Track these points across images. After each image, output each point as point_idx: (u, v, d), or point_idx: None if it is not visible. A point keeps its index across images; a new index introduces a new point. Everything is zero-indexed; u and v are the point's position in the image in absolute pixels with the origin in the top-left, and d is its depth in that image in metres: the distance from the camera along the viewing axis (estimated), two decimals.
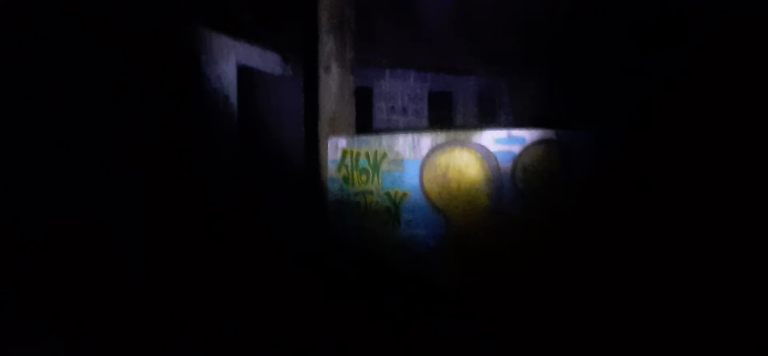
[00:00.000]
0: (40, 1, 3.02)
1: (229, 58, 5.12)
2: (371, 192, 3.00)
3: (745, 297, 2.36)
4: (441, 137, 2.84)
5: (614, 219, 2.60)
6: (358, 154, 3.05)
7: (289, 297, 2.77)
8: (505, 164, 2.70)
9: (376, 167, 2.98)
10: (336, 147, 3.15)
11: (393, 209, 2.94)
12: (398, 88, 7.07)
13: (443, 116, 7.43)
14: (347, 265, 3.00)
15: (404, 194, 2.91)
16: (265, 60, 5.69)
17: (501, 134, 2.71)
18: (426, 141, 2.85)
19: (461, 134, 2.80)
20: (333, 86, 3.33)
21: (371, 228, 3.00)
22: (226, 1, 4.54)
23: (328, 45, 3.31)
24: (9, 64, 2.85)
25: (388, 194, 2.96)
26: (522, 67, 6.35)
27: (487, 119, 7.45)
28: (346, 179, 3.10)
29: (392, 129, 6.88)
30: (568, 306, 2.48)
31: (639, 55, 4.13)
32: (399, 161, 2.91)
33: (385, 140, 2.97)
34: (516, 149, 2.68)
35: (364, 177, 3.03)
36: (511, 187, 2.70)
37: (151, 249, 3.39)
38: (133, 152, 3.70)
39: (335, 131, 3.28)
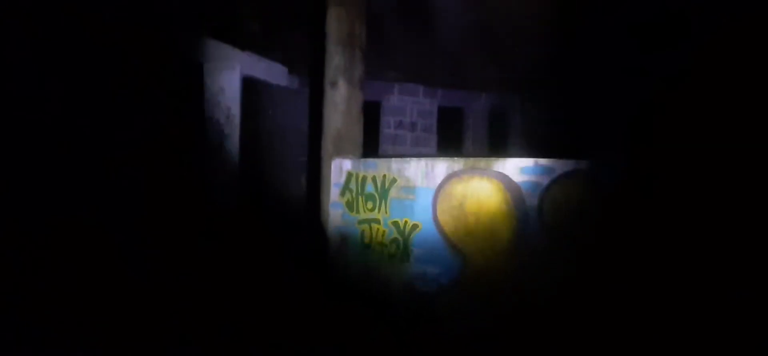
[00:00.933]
0: (40, 1, 2.96)
1: (234, 68, 4.93)
2: (377, 221, 2.70)
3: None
4: (458, 163, 2.54)
5: (646, 254, 2.31)
6: (364, 178, 2.77)
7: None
8: (531, 197, 2.40)
9: (384, 194, 2.69)
10: (340, 169, 2.88)
11: (401, 241, 2.64)
12: (407, 103, 6.83)
13: (453, 133, 7.16)
14: (346, 303, 2.70)
15: (415, 226, 2.60)
16: (271, 71, 5.50)
17: (527, 163, 2.41)
18: (441, 168, 2.55)
19: (481, 162, 2.51)
20: (339, 103, 3.07)
21: (376, 262, 2.70)
22: (232, 11, 4.41)
23: (335, 59, 3.06)
24: (9, 64, 2.81)
25: (396, 224, 2.66)
26: (532, 80, 6.13)
27: (500, 137, 7.15)
28: (349, 205, 2.81)
29: (400, 145, 6.62)
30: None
31: (639, 55, 4.04)
32: (410, 189, 2.62)
33: (394, 164, 2.69)
34: (544, 180, 2.38)
35: (370, 204, 2.74)
36: (538, 222, 2.39)
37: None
38: (135, 156, 3.68)
39: (340, 152, 3.01)
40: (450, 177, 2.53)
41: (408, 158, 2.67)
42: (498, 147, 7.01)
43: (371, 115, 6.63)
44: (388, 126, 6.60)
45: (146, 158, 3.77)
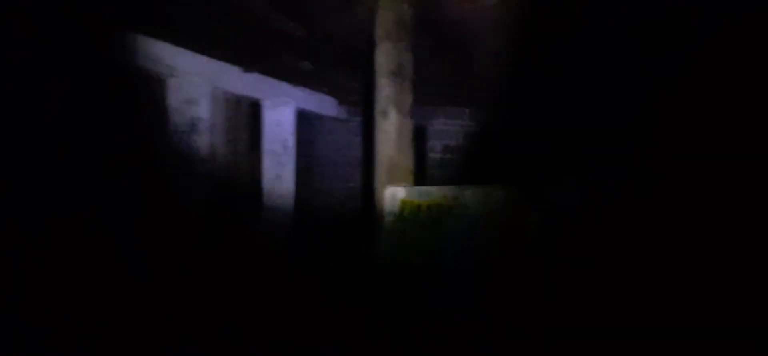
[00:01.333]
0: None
1: (289, 103, 5.31)
2: (433, 251, 2.70)
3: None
4: (515, 189, 2.49)
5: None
6: (418, 206, 2.79)
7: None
8: (577, 219, 2.27)
9: (438, 222, 2.69)
10: (393, 198, 2.93)
11: (455, 270, 2.60)
12: (452, 126, 6.83)
13: (500, 155, 6.98)
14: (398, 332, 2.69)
15: (468, 254, 2.56)
16: (322, 104, 5.83)
17: (572, 184, 2.31)
18: (498, 194, 2.52)
19: (535, 186, 2.44)
20: (391, 132, 3.17)
21: (428, 291, 2.67)
22: (286, 52, 4.79)
23: (385, 90, 3.19)
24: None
25: (451, 253, 2.64)
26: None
27: (542, 156, 6.85)
28: (403, 234, 2.84)
29: (447, 170, 6.58)
30: None
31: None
32: (465, 216, 2.60)
33: (449, 191, 2.69)
34: (596, 200, 2.25)
35: (424, 233, 2.75)
36: (582, 245, 2.25)
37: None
38: (209, 187, 4.04)
39: (393, 180, 3.08)
40: (509, 203, 2.48)
41: (463, 186, 2.66)
42: (541, 166, 6.71)
43: (416, 140, 6.72)
44: (434, 150, 6.62)
45: (215, 186, 4.14)
